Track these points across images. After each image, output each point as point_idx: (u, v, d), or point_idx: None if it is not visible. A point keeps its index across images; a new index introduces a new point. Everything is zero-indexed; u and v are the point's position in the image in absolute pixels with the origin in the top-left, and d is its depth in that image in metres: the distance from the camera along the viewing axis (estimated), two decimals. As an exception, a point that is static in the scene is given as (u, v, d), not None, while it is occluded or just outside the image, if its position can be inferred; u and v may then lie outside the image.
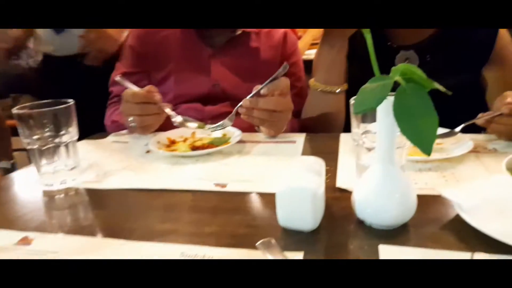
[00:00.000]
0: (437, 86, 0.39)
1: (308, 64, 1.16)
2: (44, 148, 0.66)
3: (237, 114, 0.84)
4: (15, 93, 2.64)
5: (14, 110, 0.65)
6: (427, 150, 0.38)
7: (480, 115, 0.73)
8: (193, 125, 0.89)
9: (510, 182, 0.50)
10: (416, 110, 0.38)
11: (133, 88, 0.88)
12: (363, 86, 0.42)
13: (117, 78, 0.91)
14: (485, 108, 0.92)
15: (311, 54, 2.41)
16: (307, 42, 2.37)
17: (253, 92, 0.80)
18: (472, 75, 0.92)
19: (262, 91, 0.78)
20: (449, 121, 0.73)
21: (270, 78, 0.79)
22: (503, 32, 0.91)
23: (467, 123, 0.74)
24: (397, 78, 0.40)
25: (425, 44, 0.93)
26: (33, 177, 0.70)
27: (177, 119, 0.88)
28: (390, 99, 0.41)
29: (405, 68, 0.41)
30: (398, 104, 0.39)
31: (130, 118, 0.87)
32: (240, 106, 0.81)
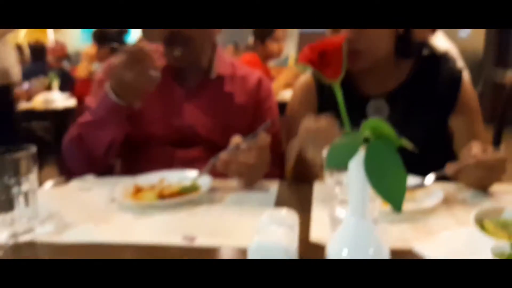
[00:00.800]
0: (404, 142, 0.40)
1: (283, 105, 1.19)
2: (2, 198, 0.61)
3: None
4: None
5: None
6: (398, 207, 0.38)
7: (448, 165, 0.75)
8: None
9: (478, 236, 0.51)
10: (385, 167, 0.38)
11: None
12: (334, 142, 0.42)
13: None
14: (452, 155, 0.96)
15: (285, 96, 2.47)
16: (281, 84, 2.44)
17: (232, 145, 0.80)
18: (439, 123, 0.96)
19: (242, 146, 0.79)
20: (419, 168, 0.75)
21: (251, 134, 0.80)
22: (466, 83, 0.97)
23: (436, 175, 0.76)
24: (367, 134, 0.41)
25: (394, 94, 0.97)
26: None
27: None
28: (361, 154, 0.42)
29: (375, 124, 0.41)
30: (369, 161, 0.39)
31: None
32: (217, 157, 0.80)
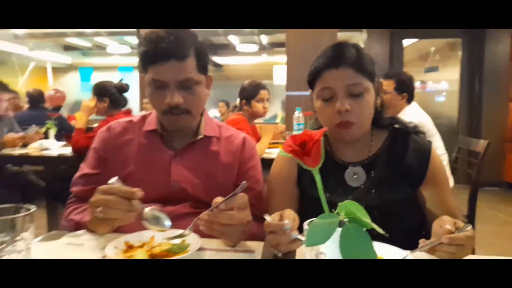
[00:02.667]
0: (375, 226, 0.45)
1: (269, 162, 1.25)
2: (-4, 255, 0.64)
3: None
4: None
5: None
6: (369, 286, 0.43)
7: (421, 242, 0.78)
8: (155, 227, 0.87)
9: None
10: (358, 248, 0.44)
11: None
12: (314, 221, 0.48)
13: (114, 179, 0.89)
14: (422, 220, 1.01)
15: (271, 152, 2.57)
16: (267, 143, 2.55)
17: (212, 207, 0.84)
18: (411, 191, 1.02)
19: (220, 206, 0.83)
20: (392, 232, 0.79)
21: (229, 195, 0.84)
22: (434, 154, 1.05)
23: (412, 252, 0.80)
24: (342, 217, 0.46)
25: (369, 162, 1.05)
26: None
27: (146, 213, 0.87)
28: (338, 231, 0.47)
29: (349, 206, 0.47)
30: (344, 242, 0.44)
31: (99, 208, 0.84)
32: (199, 218, 0.84)
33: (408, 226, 0.97)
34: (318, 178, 0.49)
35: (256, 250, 0.88)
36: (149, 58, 1.01)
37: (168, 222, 0.87)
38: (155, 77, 1.02)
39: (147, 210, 0.87)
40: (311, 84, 1.05)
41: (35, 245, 0.86)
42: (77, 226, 0.99)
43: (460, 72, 5.34)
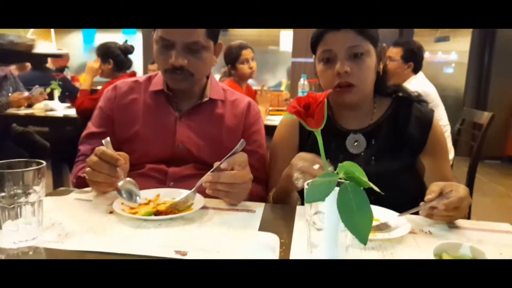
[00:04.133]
0: (371, 185, 0.47)
1: (271, 129, 1.27)
2: (10, 206, 0.67)
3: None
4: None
5: (-16, 168, 0.67)
6: (363, 241, 0.45)
7: (421, 205, 0.82)
8: (127, 201, 0.87)
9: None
10: (355, 206, 0.46)
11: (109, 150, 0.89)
12: (314, 180, 0.50)
13: (106, 139, 0.92)
14: (421, 188, 1.04)
15: (273, 119, 2.58)
16: (263, 111, 2.57)
17: (214, 167, 0.86)
18: (411, 159, 1.04)
19: (222, 166, 0.85)
20: (391, 200, 0.83)
21: (229, 154, 0.86)
22: (436, 124, 1.06)
23: (410, 212, 0.83)
24: (341, 176, 0.48)
25: (371, 130, 1.06)
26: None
27: (121, 185, 0.88)
28: (336, 191, 0.49)
29: (348, 167, 0.49)
30: (341, 200, 0.46)
31: (87, 169, 0.88)
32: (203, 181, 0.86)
33: (407, 193, 0.99)
34: (320, 139, 0.51)
35: (256, 210, 0.92)
36: None
37: (139, 199, 0.88)
38: (163, 36, 1.03)
39: (122, 182, 0.88)
40: (314, 48, 1.05)
41: (45, 199, 0.89)
42: (85, 183, 1.03)
43: (470, 43, 5.22)
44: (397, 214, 0.84)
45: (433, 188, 0.82)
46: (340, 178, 0.49)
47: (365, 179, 0.48)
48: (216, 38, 1.11)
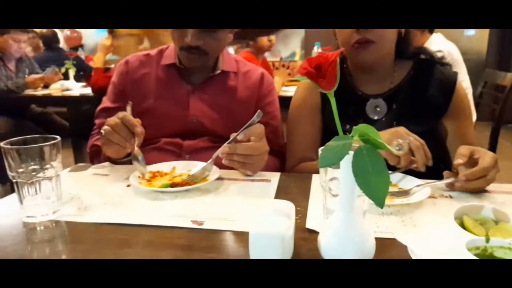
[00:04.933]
0: (388, 147, 0.45)
1: (284, 100, 1.25)
2: (29, 181, 0.69)
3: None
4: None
5: (2, 144, 0.68)
6: (380, 204, 0.44)
7: (445, 174, 0.81)
8: (140, 166, 0.90)
9: (456, 231, 0.57)
10: (371, 169, 0.44)
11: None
12: (327, 144, 0.48)
13: (128, 105, 0.97)
14: (444, 152, 1.01)
15: (286, 90, 2.54)
16: (280, 84, 2.52)
17: (231, 139, 0.86)
18: (433, 123, 1.01)
19: (238, 137, 0.84)
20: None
21: (246, 125, 0.85)
22: (459, 86, 1.01)
23: (437, 182, 0.81)
24: (356, 139, 0.47)
25: (391, 94, 1.02)
26: (14, 207, 0.72)
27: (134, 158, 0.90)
28: (351, 155, 0.48)
29: (363, 129, 0.47)
30: (356, 162, 0.45)
31: (105, 127, 0.90)
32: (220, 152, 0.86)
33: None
34: (333, 101, 0.49)
35: (272, 179, 0.91)
36: None
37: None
38: None
39: (137, 149, 0.90)
40: None
41: (64, 175, 0.91)
42: (99, 151, 1.04)
43: (493, 2, 4.96)
44: (418, 180, 0.83)
45: (463, 151, 0.79)
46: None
47: (381, 141, 0.46)
48: None
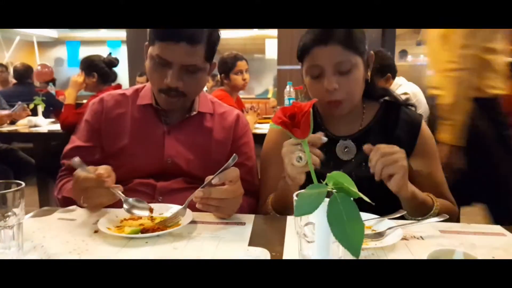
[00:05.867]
0: (361, 195, 0.46)
1: (257, 137, 1.26)
2: (-13, 231, 0.64)
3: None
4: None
5: (-40, 191, 0.64)
6: (355, 253, 0.44)
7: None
8: (141, 213, 0.88)
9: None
10: (345, 217, 0.45)
11: (84, 172, 0.87)
12: (302, 192, 0.48)
13: (76, 159, 0.90)
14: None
15: (261, 128, 2.58)
16: (253, 120, 2.57)
17: (205, 183, 0.85)
18: None
19: (213, 181, 0.83)
20: (382, 204, 0.82)
21: (221, 169, 0.84)
22: (424, 127, 1.06)
23: (394, 215, 0.83)
24: (330, 187, 0.47)
25: (360, 135, 1.06)
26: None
27: (126, 205, 0.88)
28: (326, 202, 0.48)
29: (337, 177, 0.48)
30: (331, 211, 0.45)
31: (81, 198, 0.87)
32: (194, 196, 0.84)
33: (397, 198, 0.98)
34: (307, 149, 0.50)
35: (246, 222, 0.90)
36: (160, 33, 0.98)
37: (146, 204, 0.90)
38: (160, 55, 0.99)
39: (127, 204, 0.88)
40: (300, 59, 1.04)
41: (27, 221, 0.86)
42: (72, 201, 1.00)
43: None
44: (386, 218, 0.84)
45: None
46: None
47: (355, 189, 0.47)
48: (212, 59, 1.09)
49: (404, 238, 0.78)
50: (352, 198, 0.46)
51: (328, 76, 0.96)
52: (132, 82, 4.71)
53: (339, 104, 0.98)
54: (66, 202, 1.01)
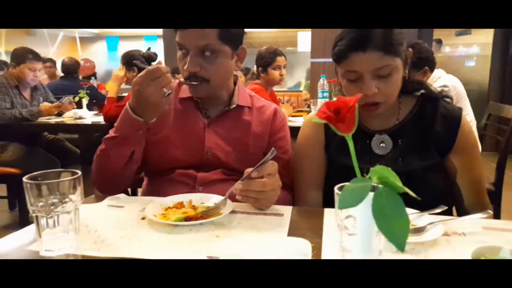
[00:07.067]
0: (407, 190, 0.46)
1: (293, 130, 1.27)
2: (48, 216, 0.70)
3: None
4: (4, 141, 2.68)
5: (24, 179, 0.69)
6: (401, 247, 0.45)
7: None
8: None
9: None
10: (390, 212, 0.45)
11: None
12: (347, 185, 0.49)
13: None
14: (452, 187, 1.01)
15: (295, 121, 2.58)
16: (287, 113, 2.58)
17: (245, 176, 0.87)
18: (439, 158, 1.01)
19: (252, 175, 0.86)
20: (420, 200, 0.81)
21: (260, 162, 0.87)
22: (464, 122, 1.02)
23: (436, 211, 0.81)
24: (375, 181, 0.48)
25: (396, 130, 1.04)
26: (31, 240, 0.73)
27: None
28: (369, 196, 0.49)
29: (382, 172, 0.49)
30: (376, 205, 0.46)
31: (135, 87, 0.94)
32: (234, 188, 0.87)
33: (437, 193, 0.97)
34: (351, 144, 0.51)
35: (284, 213, 0.92)
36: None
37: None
38: (178, 40, 1.05)
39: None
40: (336, 62, 1.01)
41: (81, 209, 0.92)
42: (104, 159, 1.07)
43: (494, 35, 5.05)
44: (426, 213, 0.83)
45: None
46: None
47: (399, 183, 0.47)
48: (234, 43, 1.09)
49: (445, 234, 0.77)
50: (396, 193, 0.47)
51: (367, 81, 0.94)
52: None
53: (377, 106, 0.97)
54: (101, 161, 1.08)
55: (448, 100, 1.05)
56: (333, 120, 0.48)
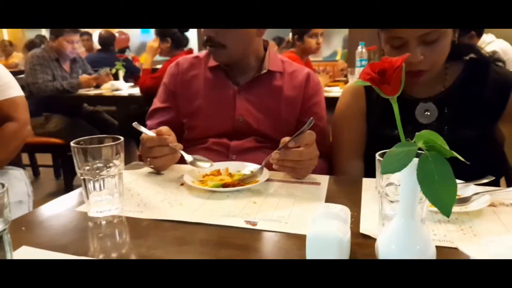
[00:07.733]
0: (455, 154, 0.44)
1: (328, 100, 1.24)
2: (94, 179, 0.73)
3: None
4: (47, 112, 2.81)
5: (72, 144, 0.73)
6: (447, 213, 0.43)
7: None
8: (204, 165, 0.93)
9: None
10: (437, 176, 0.43)
11: (147, 133, 0.93)
12: (390, 150, 0.48)
13: (134, 124, 0.97)
14: (501, 158, 0.96)
15: (331, 91, 2.52)
16: (324, 82, 2.50)
17: (281, 145, 0.87)
18: (488, 127, 0.96)
19: (289, 144, 0.85)
20: (468, 171, 0.77)
21: (297, 132, 0.86)
22: None
23: (496, 190, 0.78)
24: (421, 145, 0.46)
25: (442, 97, 0.99)
26: (79, 202, 0.78)
27: (188, 158, 0.93)
28: (413, 161, 0.47)
29: (428, 136, 0.46)
30: (421, 170, 0.44)
31: (148, 159, 0.94)
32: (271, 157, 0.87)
33: (485, 164, 0.92)
34: (395, 107, 0.49)
35: (321, 182, 0.91)
36: None
37: (209, 163, 0.94)
38: None
39: (189, 158, 0.94)
40: None
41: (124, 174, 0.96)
42: None
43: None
44: (472, 183, 0.80)
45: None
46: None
47: (447, 147, 0.45)
48: None
49: (492, 205, 0.74)
50: (444, 158, 0.45)
51: (413, 48, 0.88)
52: (200, 46, 4.81)
53: (423, 73, 0.92)
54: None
55: (500, 64, 0.98)
56: (378, 82, 0.46)
